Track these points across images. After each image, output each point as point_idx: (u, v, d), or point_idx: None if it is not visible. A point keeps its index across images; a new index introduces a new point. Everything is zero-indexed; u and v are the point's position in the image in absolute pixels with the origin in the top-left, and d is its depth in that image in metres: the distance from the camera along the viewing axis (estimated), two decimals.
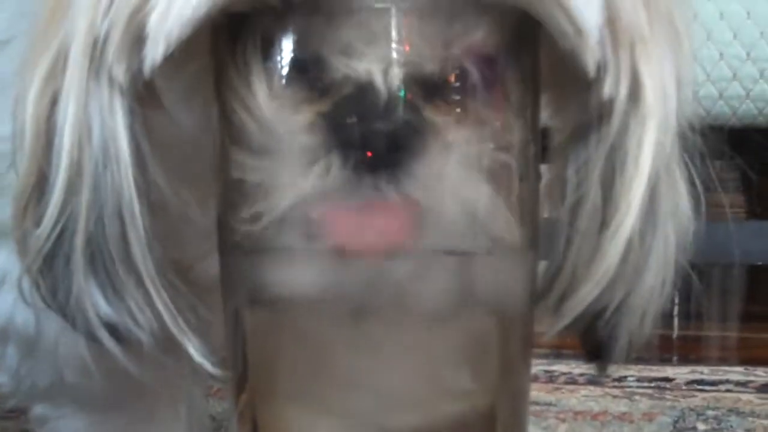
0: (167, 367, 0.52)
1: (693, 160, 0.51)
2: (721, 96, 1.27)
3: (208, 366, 0.49)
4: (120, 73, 0.46)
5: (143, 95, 0.48)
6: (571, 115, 0.50)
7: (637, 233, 0.49)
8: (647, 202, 0.49)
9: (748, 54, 1.25)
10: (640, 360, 1.33)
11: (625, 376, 1.22)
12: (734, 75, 1.27)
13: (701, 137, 0.52)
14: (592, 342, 0.52)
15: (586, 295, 0.50)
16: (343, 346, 0.47)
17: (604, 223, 0.49)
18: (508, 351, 0.49)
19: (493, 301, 0.47)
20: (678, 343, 1.64)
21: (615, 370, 0.55)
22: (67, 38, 0.47)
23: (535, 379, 1.18)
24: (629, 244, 0.49)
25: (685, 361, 1.39)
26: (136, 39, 0.45)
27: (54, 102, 0.48)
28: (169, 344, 0.49)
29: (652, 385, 1.20)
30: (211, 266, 0.51)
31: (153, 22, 0.44)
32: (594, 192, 0.49)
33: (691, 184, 0.51)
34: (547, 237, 0.51)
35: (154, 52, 0.44)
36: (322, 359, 0.47)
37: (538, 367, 1.22)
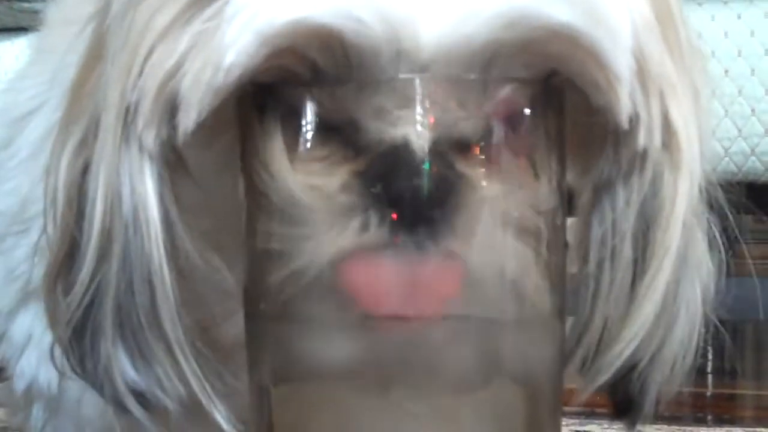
0: None
1: (721, 214, 0.52)
2: (753, 152, 1.27)
3: None
4: (150, 140, 0.47)
5: (172, 162, 0.48)
6: (594, 174, 0.50)
7: (672, 282, 0.49)
8: (680, 250, 0.49)
9: None
10: (674, 420, 1.31)
11: None
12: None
13: (731, 192, 0.52)
14: (622, 397, 0.52)
15: (621, 350, 0.49)
16: (370, 415, 0.46)
17: (637, 276, 0.49)
18: (536, 419, 0.49)
19: (521, 370, 0.47)
20: (712, 401, 1.63)
21: (644, 428, 0.54)
22: (99, 107, 0.48)
23: None
24: (665, 293, 0.49)
25: (719, 421, 1.37)
26: (167, 106, 0.46)
27: (86, 170, 0.48)
28: (194, 411, 0.49)
29: None
30: (233, 326, 0.51)
31: (185, 88, 0.45)
32: (626, 246, 0.49)
33: (718, 237, 0.51)
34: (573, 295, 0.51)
35: (187, 118, 0.45)
36: (349, 428, 0.47)
37: (569, 427, 1.21)
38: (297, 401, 0.48)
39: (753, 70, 1.25)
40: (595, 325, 0.50)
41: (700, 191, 0.50)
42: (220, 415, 0.49)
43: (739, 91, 1.22)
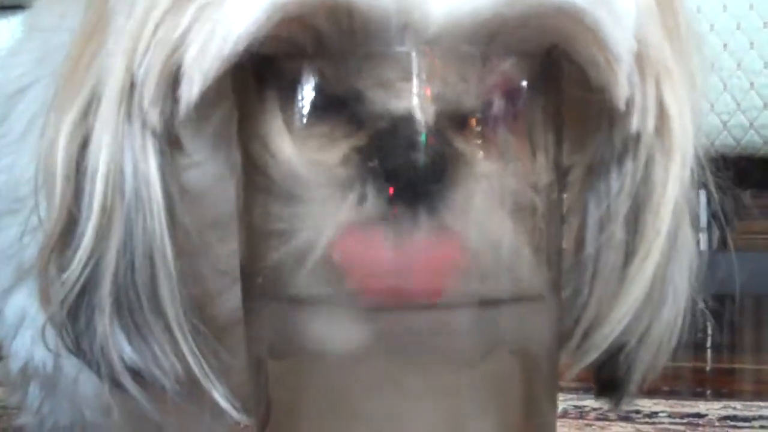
0: (189, 411, 0.52)
1: (718, 190, 0.52)
2: (751, 125, 1.26)
3: (231, 411, 0.49)
4: (154, 115, 0.46)
5: (174, 139, 0.48)
6: (589, 152, 0.50)
7: (661, 265, 0.49)
8: (670, 234, 0.49)
9: None
10: (672, 394, 1.32)
11: (657, 412, 1.21)
12: (765, 104, 1.26)
13: (731, 167, 0.52)
14: (607, 377, 0.52)
15: (611, 330, 0.50)
16: (367, 391, 0.46)
17: (628, 257, 0.49)
18: (534, 393, 0.49)
19: (518, 345, 0.47)
20: (711, 376, 1.63)
21: (643, 403, 0.54)
22: (100, 81, 0.47)
23: (565, 414, 1.17)
24: (654, 275, 0.49)
25: (718, 395, 1.37)
26: (171, 81, 0.45)
27: (84, 146, 0.48)
28: (191, 389, 0.49)
29: (684, 421, 1.18)
30: (228, 300, 0.51)
31: (189, 59, 0.44)
32: (618, 227, 0.50)
33: (715, 214, 0.52)
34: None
35: (190, 91, 0.45)
36: (346, 404, 0.47)
37: (567, 402, 1.21)
38: (294, 376, 0.48)
39: (752, 44, 1.25)
40: (592, 305, 0.50)
41: (692, 175, 0.50)
42: (217, 392, 0.49)
43: (738, 65, 1.22)
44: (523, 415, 0.48)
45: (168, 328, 0.48)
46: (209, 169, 0.52)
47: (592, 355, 0.50)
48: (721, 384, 1.50)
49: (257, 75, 0.46)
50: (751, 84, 1.25)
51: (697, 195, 0.52)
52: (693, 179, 0.50)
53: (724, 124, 1.22)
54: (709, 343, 1.87)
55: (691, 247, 0.51)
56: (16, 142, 0.70)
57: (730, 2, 1.22)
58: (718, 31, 1.20)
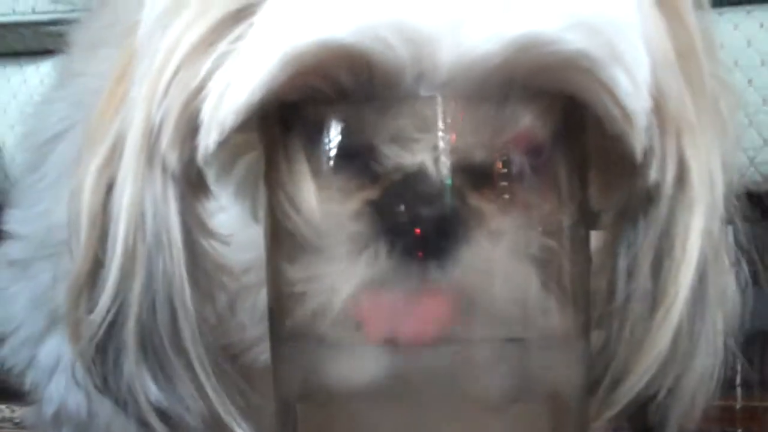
0: None
1: (748, 225, 0.52)
2: None
3: None
4: (173, 160, 0.47)
5: (195, 183, 0.49)
6: (618, 196, 0.50)
7: (686, 319, 0.49)
8: (696, 287, 0.49)
9: None
10: None
11: None
12: None
13: (760, 202, 0.52)
14: (640, 425, 0.52)
15: (637, 381, 0.50)
16: None
17: (653, 310, 0.49)
18: None
19: (546, 389, 0.47)
20: (741, 414, 1.61)
21: None
22: (123, 128, 0.48)
23: None
24: (678, 329, 0.49)
25: None
26: (190, 127, 0.46)
27: (109, 191, 0.49)
28: (217, 429, 0.50)
29: None
30: (263, 351, 0.52)
31: (207, 108, 0.45)
32: (644, 277, 0.50)
33: (743, 249, 0.52)
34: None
35: (207, 138, 0.46)
36: None
37: None
38: (321, 418, 0.48)
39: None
40: (620, 354, 0.50)
41: (722, 225, 0.50)
42: (242, 431, 0.49)
43: (764, 101, 1.22)
44: None
45: (191, 369, 0.49)
46: (235, 214, 0.53)
47: (620, 405, 0.50)
48: (751, 422, 1.48)
49: (283, 123, 0.46)
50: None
51: (726, 231, 0.52)
52: (725, 231, 0.50)
53: (751, 160, 1.22)
54: (738, 381, 1.85)
55: (729, 295, 0.51)
56: (50, 187, 0.71)
57: (754, 38, 1.23)
58: (743, 67, 1.21)
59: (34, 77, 1.52)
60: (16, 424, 1.44)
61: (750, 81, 1.20)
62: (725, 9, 1.20)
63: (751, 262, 0.53)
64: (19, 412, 1.49)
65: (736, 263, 0.52)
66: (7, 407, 1.54)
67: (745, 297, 0.53)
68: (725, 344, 0.51)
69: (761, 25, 1.21)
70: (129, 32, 0.49)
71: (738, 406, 1.67)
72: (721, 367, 0.52)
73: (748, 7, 1.21)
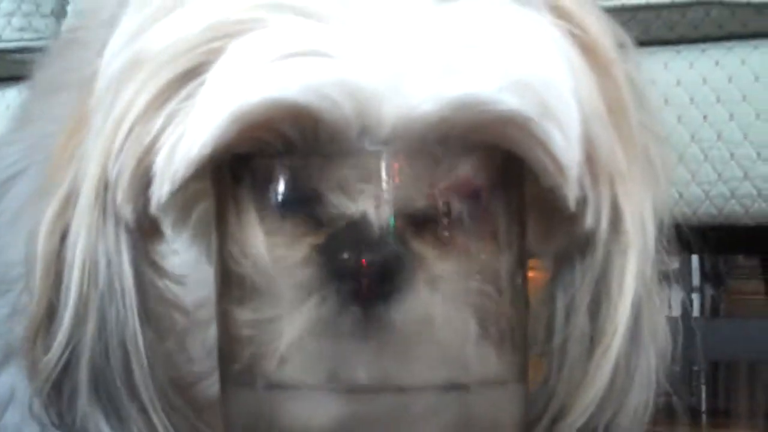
0: None
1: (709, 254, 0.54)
2: (732, 195, 1.29)
3: None
4: (127, 212, 0.49)
5: (149, 231, 0.50)
6: (556, 242, 0.52)
7: (623, 356, 0.51)
8: (631, 327, 0.51)
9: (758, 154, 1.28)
10: None
11: None
12: (745, 175, 1.29)
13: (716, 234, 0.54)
14: None
15: (576, 418, 0.51)
16: None
17: (591, 349, 0.51)
18: None
19: (486, 429, 0.49)
20: None
21: None
22: (78, 180, 0.50)
23: None
24: (616, 367, 0.51)
25: None
26: (143, 181, 0.48)
27: (64, 239, 0.50)
28: None
29: None
30: (213, 384, 0.53)
31: (159, 162, 0.47)
32: (581, 319, 0.51)
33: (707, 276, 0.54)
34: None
35: (160, 191, 0.47)
36: None
37: None
38: None
39: (732, 115, 1.27)
40: (558, 394, 0.52)
41: (655, 268, 0.52)
42: None
43: (692, 137, 1.24)
44: None
45: (143, 410, 0.50)
46: (190, 256, 0.54)
47: None
48: None
49: (233, 173, 0.48)
50: (731, 155, 1.28)
51: (689, 259, 0.54)
52: (656, 272, 0.52)
53: (680, 195, 1.25)
54: (704, 408, 1.87)
55: (660, 334, 0.53)
56: (7, 225, 0.72)
57: (684, 77, 1.26)
58: (673, 105, 1.24)
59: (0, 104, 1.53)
60: None
61: (679, 118, 1.23)
62: (656, 48, 1.24)
63: (714, 287, 0.55)
64: None
65: (700, 289, 0.54)
66: None
67: (708, 327, 0.55)
68: (657, 378, 0.53)
69: (690, 65, 1.24)
70: (86, 83, 0.51)
71: None
72: (655, 398, 0.53)
73: (678, 47, 1.25)
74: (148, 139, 0.47)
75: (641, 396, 0.52)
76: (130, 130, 0.47)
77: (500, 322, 0.48)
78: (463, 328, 0.47)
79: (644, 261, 0.51)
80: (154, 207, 0.48)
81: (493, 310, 0.48)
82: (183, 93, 0.46)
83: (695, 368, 2.27)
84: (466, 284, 0.47)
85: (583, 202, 0.49)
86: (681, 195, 1.24)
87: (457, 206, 0.47)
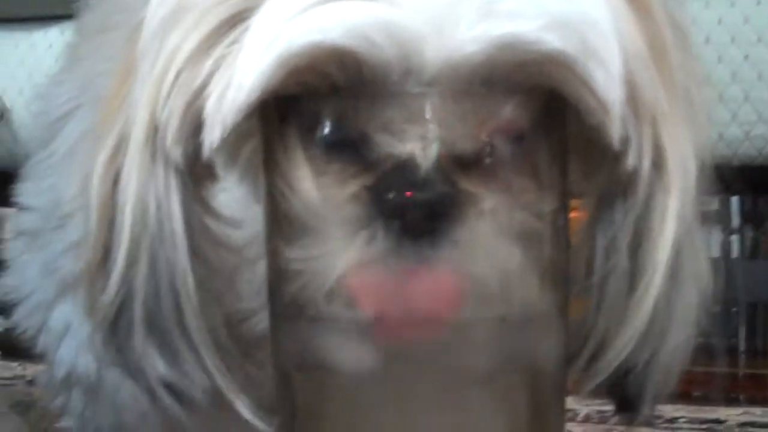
0: (218, 420, 0.56)
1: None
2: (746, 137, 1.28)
3: (257, 421, 0.52)
4: (177, 156, 0.50)
5: (199, 174, 0.51)
6: (598, 182, 0.53)
7: (662, 296, 0.51)
8: (671, 266, 0.51)
9: None
10: (706, 400, 1.33)
11: (677, 418, 1.22)
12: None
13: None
14: (621, 397, 0.55)
15: (617, 354, 0.52)
16: (384, 403, 0.49)
17: (631, 287, 0.52)
18: (541, 407, 0.52)
19: (526, 363, 0.50)
20: (744, 381, 1.63)
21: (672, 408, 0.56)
22: (128, 126, 0.51)
23: (588, 419, 1.19)
24: (655, 306, 0.51)
25: (751, 401, 1.37)
26: (192, 125, 0.49)
27: (116, 182, 0.52)
28: (221, 401, 0.53)
29: (704, 426, 1.20)
30: (261, 321, 0.55)
31: (209, 108, 0.48)
32: (622, 258, 0.52)
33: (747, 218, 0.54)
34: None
35: (211, 136, 0.48)
36: (365, 415, 0.50)
37: (590, 407, 1.23)
38: (317, 389, 0.51)
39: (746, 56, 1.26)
40: (597, 330, 0.53)
41: (697, 207, 0.52)
42: (242, 404, 0.52)
43: (733, 77, 1.23)
44: (532, 425, 0.51)
45: (194, 348, 0.52)
46: (240, 195, 0.56)
47: (600, 378, 0.53)
48: (754, 389, 1.50)
49: (280, 114, 0.49)
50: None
51: (729, 200, 0.54)
52: (697, 212, 0.53)
53: (720, 136, 1.24)
54: (742, 349, 1.87)
55: (702, 274, 0.54)
56: (59, 163, 0.74)
57: (725, 16, 1.24)
58: (713, 44, 1.23)
59: (42, 43, 1.53)
60: (28, 381, 1.48)
61: (720, 57, 1.22)
62: None
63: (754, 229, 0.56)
64: (30, 370, 1.53)
65: (739, 230, 0.55)
66: (18, 365, 1.58)
67: (747, 268, 0.55)
68: (699, 317, 0.54)
69: (732, 3, 1.23)
70: (134, 29, 0.52)
71: (741, 373, 1.70)
72: (695, 338, 0.54)
73: None
74: (195, 84, 0.48)
75: (681, 335, 0.53)
76: (178, 76, 0.48)
77: (542, 258, 0.49)
78: (508, 263, 0.48)
79: (685, 201, 0.51)
80: (206, 151, 0.49)
81: (536, 246, 0.49)
82: (229, 38, 0.47)
83: (734, 309, 2.28)
84: (510, 220, 0.48)
85: (625, 141, 0.49)
86: (721, 135, 1.23)
87: (502, 145, 0.47)
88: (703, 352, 0.57)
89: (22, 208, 0.82)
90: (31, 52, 1.57)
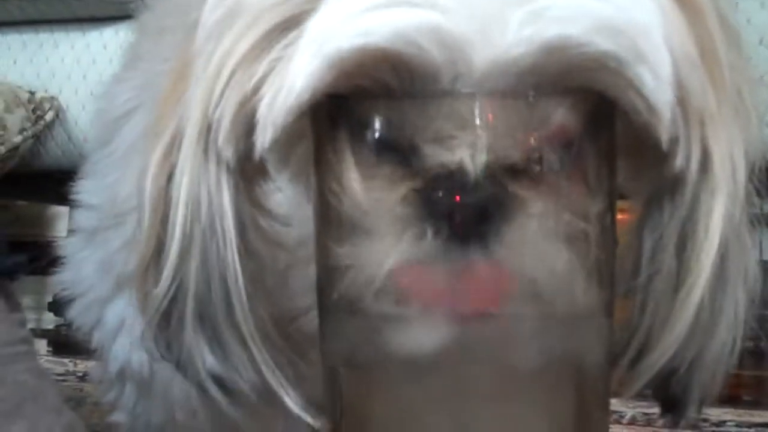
0: (266, 415, 0.57)
1: None
2: None
3: (305, 416, 0.54)
4: (229, 154, 0.51)
5: (250, 173, 0.53)
6: (646, 183, 0.53)
7: (708, 297, 0.52)
8: (717, 267, 0.52)
9: None
10: (745, 404, 1.32)
11: (725, 421, 1.21)
12: None
13: None
14: (666, 397, 0.55)
15: (661, 355, 0.53)
16: (434, 399, 0.50)
17: (677, 287, 0.52)
18: (585, 403, 0.52)
19: (573, 362, 0.51)
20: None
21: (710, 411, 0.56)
22: (182, 123, 0.52)
23: (634, 421, 1.19)
24: (700, 306, 0.52)
25: None
26: (245, 126, 0.50)
27: (170, 179, 0.53)
28: (269, 395, 0.54)
29: (752, 430, 1.19)
30: (312, 320, 0.55)
31: (262, 110, 0.49)
32: (668, 258, 0.53)
33: None
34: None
35: (263, 137, 0.49)
36: (413, 411, 0.50)
37: (636, 409, 1.23)
38: (366, 385, 0.52)
39: None
40: (642, 330, 0.53)
41: (749, 208, 0.53)
42: (291, 399, 0.53)
43: (761, 78, 1.22)
44: (576, 424, 0.51)
45: (243, 342, 0.53)
46: (291, 195, 0.57)
47: (645, 378, 0.53)
48: None
49: (332, 116, 0.50)
50: None
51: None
52: (746, 214, 0.53)
53: None
54: None
55: (749, 276, 0.54)
56: (119, 161, 0.75)
57: (755, 15, 1.23)
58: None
59: (97, 43, 1.55)
60: (79, 377, 1.50)
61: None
62: None
63: None
64: (81, 365, 1.55)
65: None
66: (70, 361, 1.60)
67: None
68: (746, 319, 0.54)
69: (762, 5, 1.22)
70: (189, 29, 0.53)
71: None
72: (743, 340, 0.54)
73: None
74: (249, 86, 0.49)
75: (727, 337, 0.53)
76: (231, 77, 0.50)
77: (589, 258, 0.50)
78: (557, 263, 0.48)
79: (733, 203, 0.51)
80: (258, 152, 0.50)
81: (583, 246, 0.49)
82: (283, 42, 0.48)
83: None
84: (558, 223, 0.48)
85: (674, 142, 0.49)
86: None
87: (550, 149, 0.48)
88: (753, 355, 0.57)
89: (81, 206, 0.83)
90: (86, 53, 1.59)
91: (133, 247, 0.58)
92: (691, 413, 0.55)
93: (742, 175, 0.52)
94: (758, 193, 0.54)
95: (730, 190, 0.51)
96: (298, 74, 0.47)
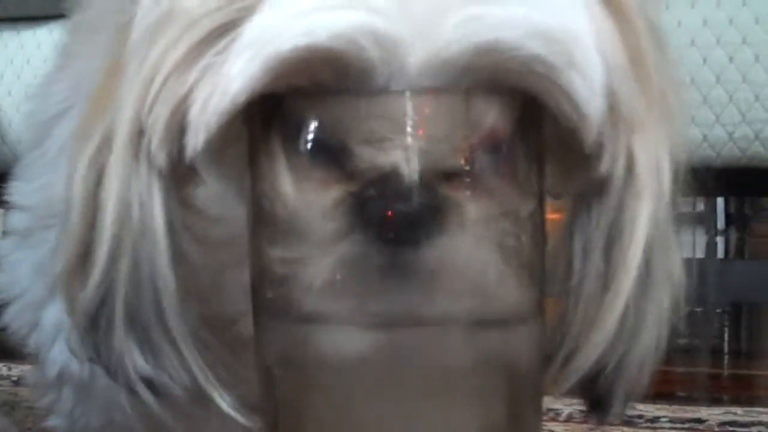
0: (198, 417, 0.57)
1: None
2: (757, 137, 1.29)
3: (238, 417, 0.54)
4: (160, 158, 0.51)
5: (182, 175, 0.52)
6: (574, 184, 0.54)
7: (633, 298, 0.53)
8: (642, 269, 0.53)
9: None
10: (690, 400, 1.33)
11: (659, 417, 1.23)
12: None
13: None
14: (592, 395, 0.56)
15: (588, 355, 0.53)
16: (367, 398, 0.51)
17: (604, 288, 0.53)
18: (518, 404, 0.53)
19: (505, 364, 0.51)
20: (728, 382, 1.64)
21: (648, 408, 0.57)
22: (113, 124, 0.52)
23: (570, 419, 1.19)
24: (626, 307, 0.53)
25: (735, 401, 1.38)
26: (177, 130, 0.50)
27: (99, 181, 0.53)
28: (201, 397, 0.54)
29: (686, 426, 1.20)
30: (250, 323, 0.55)
31: (194, 112, 0.49)
32: (597, 260, 0.53)
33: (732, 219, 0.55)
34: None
35: (195, 140, 0.49)
36: (348, 410, 0.51)
37: (573, 406, 1.24)
38: (300, 385, 0.52)
39: (757, 57, 1.27)
40: (573, 331, 0.54)
41: (669, 212, 0.53)
42: (223, 401, 0.53)
43: (717, 79, 1.24)
44: (509, 423, 0.52)
45: (174, 344, 0.53)
46: (223, 195, 0.57)
47: (574, 377, 0.54)
48: (738, 391, 1.51)
49: (265, 117, 0.50)
50: (756, 96, 1.28)
51: (714, 202, 0.55)
52: (671, 216, 0.54)
53: (704, 137, 1.24)
54: (726, 350, 1.88)
55: (674, 276, 0.55)
56: (51, 162, 0.74)
57: (710, 17, 1.25)
58: (698, 46, 1.23)
59: (30, 43, 1.53)
60: (14, 381, 1.48)
61: (705, 59, 1.23)
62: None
63: (738, 231, 0.57)
64: (15, 370, 1.53)
65: (724, 231, 0.56)
66: (4, 365, 1.58)
67: (731, 268, 0.56)
68: (670, 319, 0.55)
69: (717, 5, 1.24)
70: (121, 29, 0.53)
71: (725, 374, 1.70)
72: (674, 339, 0.55)
73: None
74: (182, 91, 0.49)
75: (653, 335, 0.54)
76: (164, 82, 0.49)
77: (521, 260, 0.50)
78: (488, 266, 0.49)
79: (658, 206, 0.52)
80: (189, 154, 0.50)
81: (515, 248, 0.50)
82: (217, 47, 0.49)
83: (718, 310, 2.29)
84: (491, 225, 0.49)
85: (600, 147, 0.50)
86: (705, 137, 1.24)
87: (483, 151, 0.49)
88: (686, 352, 0.58)
89: (13, 208, 0.82)
90: (20, 53, 1.57)
91: (58, 249, 0.57)
92: (616, 411, 0.56)
93: (667, 178, 0.53)
94: (683, 194, 0.55)
95: (655, 193, 0.52)
96: (235, 76, 0.47)
